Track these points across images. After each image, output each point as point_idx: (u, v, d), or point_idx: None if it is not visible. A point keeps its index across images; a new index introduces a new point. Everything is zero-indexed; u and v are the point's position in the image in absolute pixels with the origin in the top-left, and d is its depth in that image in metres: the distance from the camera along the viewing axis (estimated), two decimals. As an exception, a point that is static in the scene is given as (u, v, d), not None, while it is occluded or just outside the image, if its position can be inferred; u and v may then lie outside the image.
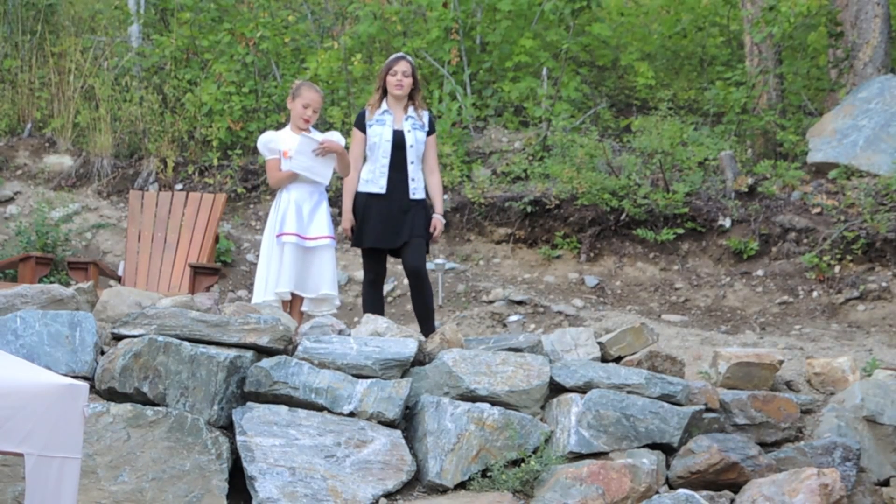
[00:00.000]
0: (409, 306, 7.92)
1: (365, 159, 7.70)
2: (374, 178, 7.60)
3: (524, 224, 10.88)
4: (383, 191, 7.57)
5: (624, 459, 6.63)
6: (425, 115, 7.74)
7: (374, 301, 7.69)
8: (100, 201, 11.56)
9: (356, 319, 9.01)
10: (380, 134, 7.61)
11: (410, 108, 7.68)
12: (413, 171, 7.62)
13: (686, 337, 8.97)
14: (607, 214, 10.71)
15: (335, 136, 7.83)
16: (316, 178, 7.68)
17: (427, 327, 7.54)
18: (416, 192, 7.61)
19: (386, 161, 7.59)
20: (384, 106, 7.67)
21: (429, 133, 7.72)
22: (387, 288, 10.13)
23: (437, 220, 7.71)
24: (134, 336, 6.59)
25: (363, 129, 7.67)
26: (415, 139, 7.63)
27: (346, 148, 7.76)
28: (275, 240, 7.60)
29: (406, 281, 9.46)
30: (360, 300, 10.09)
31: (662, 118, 11.17)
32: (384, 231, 7.55)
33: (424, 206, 7.69)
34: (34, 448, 4.60)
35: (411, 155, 7.61)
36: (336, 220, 10.94)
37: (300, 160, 7.59)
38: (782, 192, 10.85)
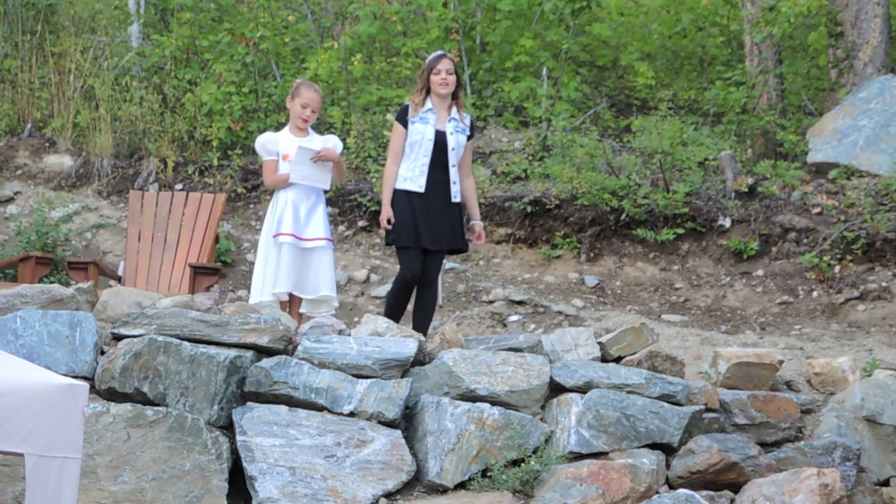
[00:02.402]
0: (409, 306, 7.92)
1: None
2: (413, 177, 7.54)
3: (524, 224, 10.88)
4: (422, 190, 7.51)
5: (624, 459, 6.63)
6: (467, 119, 7.72)
7: (399, 298, 7.59)
8: (100, 201, 11.56)
9: (356, 319, 9.01)
10: (422, 132, 7.55)
11: (454, 110, 7.65)
12: (454, 174, 7.59)
13: (686, 337, 8.97)
14: (607, 214, 10.71)
15: (332, 142, 7.82)
16: (315, 184, 7.69)
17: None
18: (456, 195, 7.59)
19: (427, 160, 7.54)
20: (428, 104, 7.62)
21: (469, 137, 7.70)
22: (387, 288, 10.12)
23: (479, 227, 7.75)
24: (134, 336, 6.59)
25: (405, 124, 7.60)
26: (457, 142, 7.59)
27: (346, 147, 7.75)
28: (272, 240, 7.60)
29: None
30: (359, 300, 10.10)
31: (662, 118, 11.17)
32: (422, 230, 7.49)
33: (461, 212, 7.69)
34: (34, 448, 4.60)
35: (452, 157, 7.58)
36: (335, 219, 10.95)
37: (299, 170, 7.59)
38: (782, 192, 10.85)
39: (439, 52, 7.79)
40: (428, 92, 7.62)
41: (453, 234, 7.58)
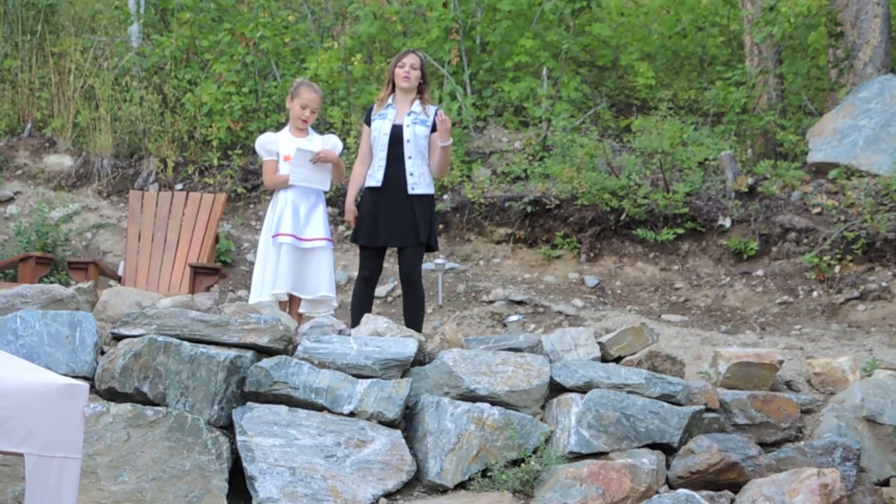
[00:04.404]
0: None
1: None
2: (372, 173, 7.63)
3: (524, 224, 10.88)
4: (379, 184, 7.57)
5: (624, 459, 6.63)
6: (431, 111, 7.71)
7: (363, 298, 7.66)
8: (100, 201, 11.56)
9: (356, 319, 9.01)
10: (379, 128, 7.63)
11: (416, 104, 7.66)
12: (412, 165, 7.59)
13: (686, 337, 8.97)
14: (607, 214, 10.71)
15: (331, 142, 7.82)
16: (315, 186, 7.70)
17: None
18: (415, 187, 7.58)
19: (383, 155, 7.60)
20: (390, 100, 7.66)
21: (433, 129, 7.69)
22: (387, 288, 10.13)
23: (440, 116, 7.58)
24: (134, 336, 6.59)
25: (369, 123, 7.69)
26: (413, 134, 7.61)
27: (346, 147, 7.76)
28: (271, 240, 7.60)
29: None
30: (360, 300, 10.09)
31: (662, 118, 11.17)
32: (380, 228, 7.54)
33: (429, 204, 7.67)
34: (34, 448, 4.60)
35: (409, 149, 7.59)
36: (335, 219, 10.94)
37: (298, 172, 7.60)
38: (782, 192, 10.85)
39: (410, 49, 7.83)
40: (394, 88, 7.66)
41: (415, 229, 7.56)
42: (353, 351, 6.76)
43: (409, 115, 7.63)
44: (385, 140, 7.59)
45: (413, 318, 7.62)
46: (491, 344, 7.19)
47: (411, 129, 7.60)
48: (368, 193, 7.64)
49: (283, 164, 7.70)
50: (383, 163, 7.59)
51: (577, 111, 12.17)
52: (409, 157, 7.59)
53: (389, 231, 7.55)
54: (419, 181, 7.59)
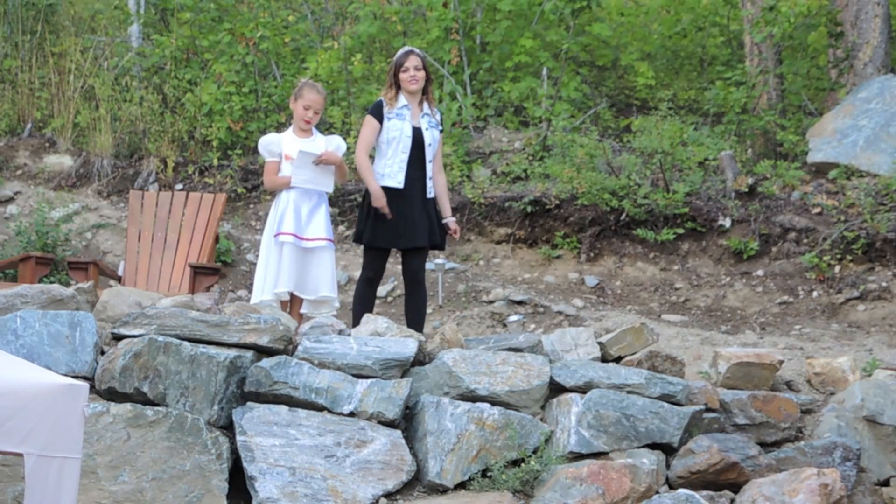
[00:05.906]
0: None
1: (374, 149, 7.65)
2: (391, 173, 7.54)
3: (524, 224, 10.88)
4: (401, 186, 7.52)
5: (624, 459, 6.63)
6: (438, 114, 7.76)
7: (366, 298, 7.65)
8: (100, 201, 11.56)
9: (356, 319, 9.00)
10: (400, 129, 7.54)
11: (425, 105, 7.65)
12: (430, 169, 7.60)
13: (686, 337, 8.97)
14: (607, 214, 10.71)
15: (334, 143, 7.81)
16: (318, 187, 7.68)
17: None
18: (431, 191, 7.62)
19: (405, 157, 7.54)
20: (402, 100, 7.61)
21: (441, 132, 7.73)
22: (387, 288, 10.13)
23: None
24: (134, 336, 6.59)
25: (380, 119, 7.57)
26: (432, 137, 7.62)
27: (349, 148, 7.73)
28: (273, 240, 7.60)
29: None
30: (360, 300, 10.09)
31: (662, 118, 11.17)
32: (400, 230, 7.50)
33: (435, 207, 7.69)
34: (34, 448, 4.60)
35: (429, 153, 7.59)
36: (335, 219, 10.94)
37: (300, 174, 7.59)
38: (782, 192, 10.85)
39: (407, 49, 7.75)
40: (398, 88, 7.62)
41: (431, 230, 7.59)
42: (352, 351, 6.77)
43: (423, 117, 7.62)
44: (408, 142, 7.53)
45: (417, 316, 7.62)
46: (491, 344, 7.19)
47: (430, 133, 7.60)
48: (386, 194, 7.56)
49: (284, 165, 7.69)
50: (405, 165, 7.54)
51: (577, 111, 12.18)
52: (430, 161, 7.59)
53: (410, 233, 7.51)
54: (432, 185, 7.61)
